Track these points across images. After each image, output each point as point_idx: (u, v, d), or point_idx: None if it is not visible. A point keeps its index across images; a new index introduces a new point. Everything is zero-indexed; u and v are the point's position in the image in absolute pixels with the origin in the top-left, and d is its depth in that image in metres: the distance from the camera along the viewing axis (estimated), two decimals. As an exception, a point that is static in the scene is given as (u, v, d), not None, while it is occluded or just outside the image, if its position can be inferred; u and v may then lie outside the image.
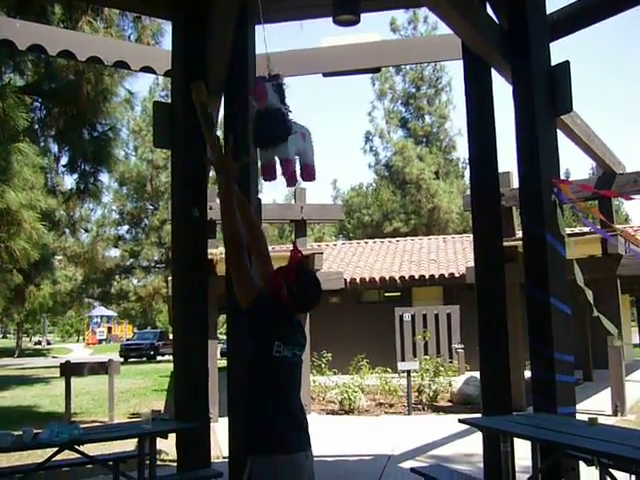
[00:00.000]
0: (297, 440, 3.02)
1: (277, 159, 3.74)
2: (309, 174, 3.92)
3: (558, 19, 6.20)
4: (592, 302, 5.51)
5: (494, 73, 6.39)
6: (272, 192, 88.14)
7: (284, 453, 2.95)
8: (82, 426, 5.66)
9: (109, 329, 64.54)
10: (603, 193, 9.72)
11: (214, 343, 11.59)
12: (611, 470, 4.69)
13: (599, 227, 10.58)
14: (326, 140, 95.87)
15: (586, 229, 13.37)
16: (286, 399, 3.07)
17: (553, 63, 5.82)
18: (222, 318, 24.18)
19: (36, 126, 12.77)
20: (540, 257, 5.61)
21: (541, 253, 5.60)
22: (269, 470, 2.92)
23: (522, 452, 5.50)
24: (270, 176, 3.76)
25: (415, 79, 35.06)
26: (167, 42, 13.97)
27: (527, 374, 11.48)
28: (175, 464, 6.39)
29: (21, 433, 4.97)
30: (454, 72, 36.10)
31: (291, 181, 3.76)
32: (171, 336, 38.87)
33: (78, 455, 5.52)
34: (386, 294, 20.83)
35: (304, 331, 3.29)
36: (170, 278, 13.38)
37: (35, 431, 5.04)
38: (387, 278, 19.53)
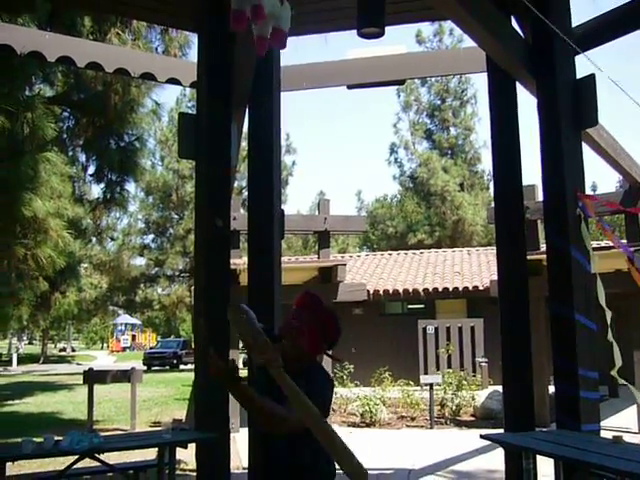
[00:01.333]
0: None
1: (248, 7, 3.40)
2: (279, 39, 3.59)
3: (584, 32, 6.15)
4: (609, 324, 5.43)
5: (518, 86, 6.37)
6: (296, 203, 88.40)
7: None
8: (103, 434, 5.71)
9: (133, 337, 64.99)
10: (628, 210, 9.60)
11: (235, 352, 11.60)
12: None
13: (624, 242, 10.45)
14: (351, 151, 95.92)
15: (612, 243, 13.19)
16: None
17: (578, 76, 5.79)
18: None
19: (64, 136, 12.96)
20: (564, 271, 5.56)
21: (565, 267, 5.55)
22: None
23: (544, 469, 5.44)
24: (239, 23, 3.42)
25: (440, 91, 35.01)
26: (194, 54, 14.12)
27: (551, 389, 11.36)
28: (195, 474, 6.40)
29: (42, 440, 5.02)
30: (480, 84, 36.01)
31: (260, 39, 3.48)
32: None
33: (98, 463, 5.57)
34: (409, 306, 20.73)
35: None
36: (193, 287, 13.47)
37: (56, 438, 5.08)
38: (411, 290, 19.45)
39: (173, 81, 7.42)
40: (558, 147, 5.64)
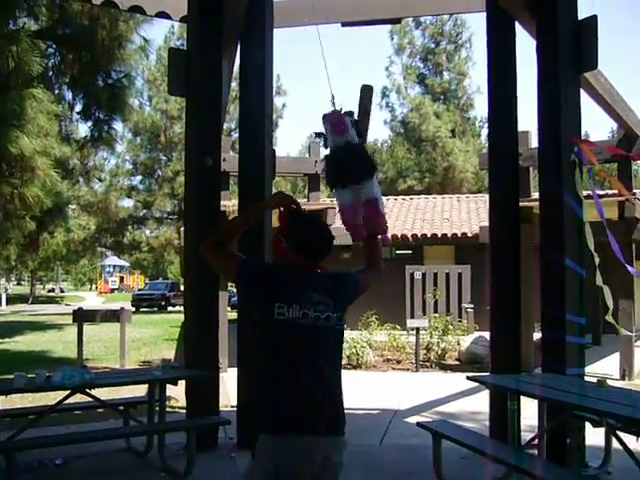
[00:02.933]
0: (297, 419, 2.58)
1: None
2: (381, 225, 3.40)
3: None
4: (598, 268, 5.44)
5: (518, 27, 6.23)
6: (286, 146, 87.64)
7: (272, 434, 2.57)
8: (93, 371, 5.73)
9: (121, 279, 65.17)
10: (631, 155, 9.58)
11: (224, 295, 11.63)
12: (618, 432, 4.71)
13: (615, 192, 10.44)
14: (342, 95, 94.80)
15: (602, 192, 13.22)
16: (292, 369, 2.62)
17: (580, 17, 5.65)
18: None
19: (50, 73, 12.65)
20: (556, 217, 5.55)
21: (558, 213, 5.53)
22: (257, 450, 2.61)
23: (528, 412, 5.53)
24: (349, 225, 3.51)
25: (435, 34, 34.38)
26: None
27: (536, 336, 11.49)
28: (184, 411, 6.48)
29: (34, 375, 5.04)
30: (475, 27, 35.31)
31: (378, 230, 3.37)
32: (182, 287, 39.24)
33: (89, 399, 5.61)
34: (398, 252, 20.76)
35: (332, 289, 2.79)
36: (182, 229, 13.41)
37: (47, 374, 5.11)
38: (399, 235, 19.47)
39: (163, 15, 7.21)
40: (556, 90, 5.54)
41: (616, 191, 11.42)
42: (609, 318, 5.65)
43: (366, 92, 3.36)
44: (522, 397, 4.94)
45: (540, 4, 5.70)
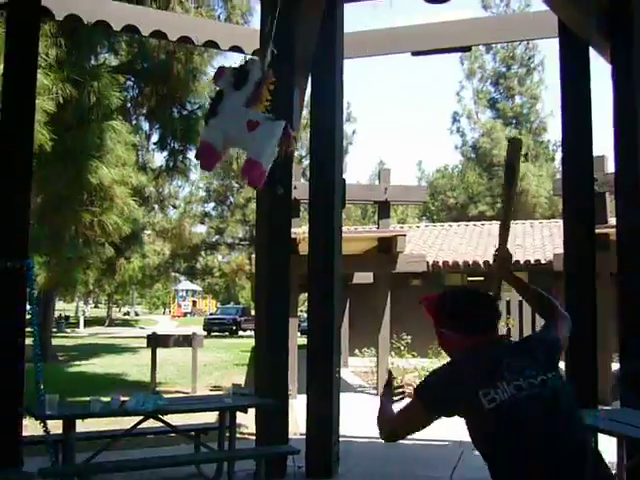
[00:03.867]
0: None
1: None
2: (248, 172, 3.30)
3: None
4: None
5: (592, 53, 6.12)
6: (355, 173, 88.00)
7: None
8: (166, 396, 5.86)
9: (194, 303, 66.38)
10: None
11: (294, 320, 11.70)
12: None
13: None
14: (412, 120, 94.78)
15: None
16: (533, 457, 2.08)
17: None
18: (303, 297, 24.43)
19: (128, 105, 13.17)
20: (635, 246, 5.38)
21: (636, 242, 5.37)
22: None
23: (606, 446, 5.32)
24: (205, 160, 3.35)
25: (506, 58, 34.05)
26: (255, 21, 14.08)
27: (614, 367, 11.07)
28: (254, 437, 6.52)
29: (109, 400, 5.18)
30: (547, 51, 34.82)
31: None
32: (253, 312, 39.66)
33: (162, 424, 5.72)
34: (469, 278, 20.46)
35: (529, 350, 2.33)
36: (254, 255, 13.60)
37: (122, 399, 5.24)
38: (471, 262, 19.18)
39: (236, 49, 7.41)
40: (633, 115, 5.42)
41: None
42: None
43: (512, 146, 3.18)
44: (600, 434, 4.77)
45: (614, 29, 5.60)
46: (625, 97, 5.56)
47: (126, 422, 6.41)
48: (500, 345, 2.39)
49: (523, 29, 7.83)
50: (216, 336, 33.76)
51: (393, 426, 2.49)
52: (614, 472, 4.96)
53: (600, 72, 6.19)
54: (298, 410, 8.13)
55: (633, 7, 5.47)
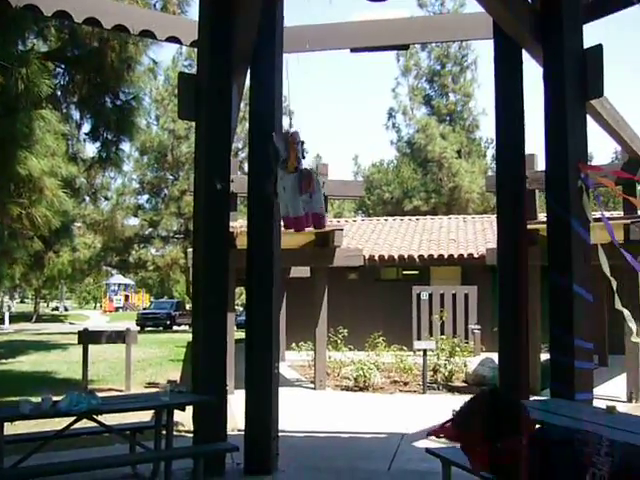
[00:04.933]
0: None
1: None
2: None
3: (592, 0, 6.06)
4: (616, 292, 5.45)
5: (524, 54, 6.28)
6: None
7: None
8: (99, 394, 5.72)
9: (126, 297, 65.25)
10: (637, 179, 9.62)
11: (231, 315, 11.62)
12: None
13: (622, 214, 10.45)
14: (348, 116, 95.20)
15: (608, 214, 13.22)
16: None
17: (585, 46, 5.71)
18: (239, 290, 24.30)
19: (59, 93, 12.75)
20: (564, 242, 5.56)
21: (565, 238, 5.54)
22: None
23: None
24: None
25: (440, 56, 34.61)
26: (193, 12, 13.84)
27: (543, 357, 11.44)
28: (191, 435, 6.46)
29: (40, 401, 5.02)
30: (480, 50, 35.53)
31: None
32: (188, 306, 39.22)
33: (95, 424, 5.59)
34: (404, 272, 20.78)
35: None
36: (190, 249, 13.43)
37: (54, 399, 5.09)
38: (406, 256, 19.46)
39: (173, 39, 7.28)
40: (563, 117, 5.58)
41: (621, 213, 11.43)
42: (635, 339, 5.66)
43: None
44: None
45: (547, 33, 5.75)
46: (555, 99, 5.72)
47: (57, 423, 6.26)
48: None
49: (460, 29, 7.97)
50: (150, 331, 33.26)
51: None
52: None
53: (533, 73, 6.35)
54: (236, 406, 8.08)
55: (564, 11, 5.64)
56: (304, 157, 5.93)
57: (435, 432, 2.37)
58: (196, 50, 7.41)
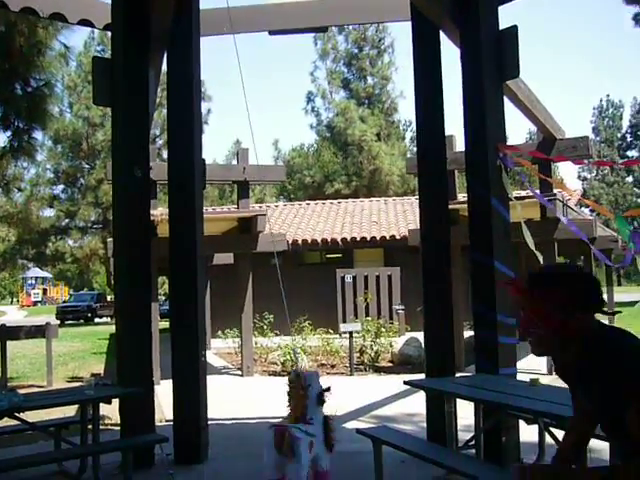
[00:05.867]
0: None
1: None
2: None
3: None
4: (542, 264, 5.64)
5: (443, 36, 6.37)
6: (211, 152, 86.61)
7: None
8: (20, 391, 5.52)
9: (44, 291, 63.19)
10: (551, 158, 9.94)
11: (154, 305, 11.41)
12: (551, 428, 4.86)
13: (538, 192, 10.81)
14: (267, 100, 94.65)
15: (525, 193, 13.64)
16: None
17: (501, 27, 5.82)
18: (161, 279, 23.89)
19: (-36, 80, 12.13)
20: (485, 220, 5.69)
21: (486, 217, 5.68)
22: None
23: (464, 412, 5.64)
24: None
25: (358, 39, 34.85)
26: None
27: (466, 334, 11.75)
28: (118, 428, 6.32)
29: (-43, 401, 4.80)
30: (397, 33, 36.23)
31: None
32: (109, 298, 38.30)
33: (17, 422, 5.39)
34: (328, 256, 20.91)
35: None
36: (109, 239, 13.10)
37: (-28, 398, 4.88)
38: (329, 239, 19.59)
39: (85, 23, 7.02)
40: (480, 98, 5.70)
41: (537, 192, 11.83)
42: None
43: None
44: (458, 398, 5.04)
45: (462, 14, 5.84)
46: (472, 80, 5.82)
47: (-24, 423, 6.01)
48: None
49: (377, 11, 8.00)
50: (70, 324, 32.32)
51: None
52: (472, 435, 5.27)
53: (451, 54, 6.45)
54: (163, 396, 7.96)
55: (479, -7, 5.73)
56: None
57: (506, 284, 2.29)
58: (109, 34, 7.16)
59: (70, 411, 6.71)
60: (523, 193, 13.68)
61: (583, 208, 19.56)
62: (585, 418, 2.45)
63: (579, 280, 2.24)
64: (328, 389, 4.91)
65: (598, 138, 67.75)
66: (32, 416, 5.80)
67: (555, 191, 12.21)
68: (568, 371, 2.34)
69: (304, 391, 4.70)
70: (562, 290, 2.19)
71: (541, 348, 2.28)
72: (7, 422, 5.45)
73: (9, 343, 11.87)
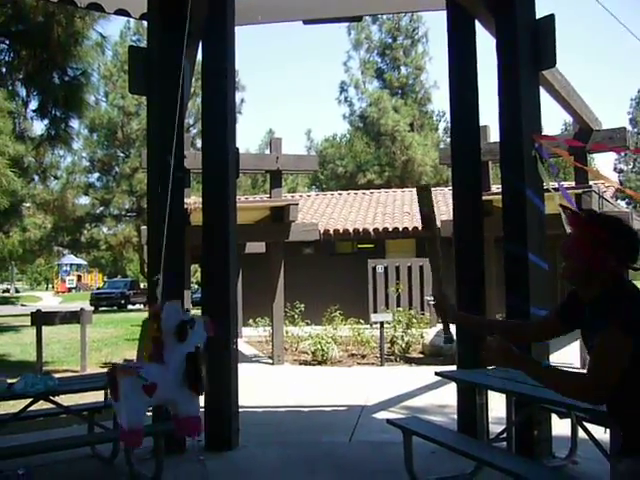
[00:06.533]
0: None
1: None
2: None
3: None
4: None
5: (478, 26, 6.29)
6: (245, 142, 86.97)
7: None
8: (55, 375, 5.62)
9: (79, 277, 64.16)
10: (592, 146, 9.80)
11: (187, 292, 11.52)
12: (584, 423, 4.81)
13: (573, 184, 10.67)
14: (301, 90, 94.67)
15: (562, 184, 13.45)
16: None
17: (538, 16, 5.73)
18: (193, 268, 24.09)
19: (3, 69, 12.35)
20: (519, 212, 5.63)
21: (520, 208, 5.62)
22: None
23: (495, 404, 5.61)
24: None
25: (392, 29, 34.60)
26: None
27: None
28: (150, 414, 6.40)
29: (-5, 383, 4.92)
30: (431, 23, 35.70)
31: None
32: (142, 285, 38.74)
33: (52, 405, 5.50)
34: (359, 246, 20.88)
35: None
36: (143, 227, 13.23)
37: (9, 381, 4.99)
38: (361, 230, 19.56)
39: (122, 12, 7.07)
40: (516, 88, 5.62)
41: (572, 184, 11.66)
42: None
43: (422, 196, 3.32)
44: (489, 391, 5.01)
45: (499, 3, 5.76)
46: (508, 70, 5.75)
47: (12, 406, 6.13)
48: None
49: (412, 0, 7.94)
50: (104, 311, 32.80)
51: (597, 381, 2.29)
52: (503, 427, 5.24)
53: (486, 44, 6.37)
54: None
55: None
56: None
57: (565, 208, 2.55)
58: (145, 24, 7.22)
59: (102, 396, 6.81)
60: (557, 185, 13.48)
61: (619, 200, 19.25)
62: (549, 323, 2.82)
63: (628, 235, 2.43)
64: (192, 321, 3.73)
65: (635, 130, 66.40)
66: (66, 400, 5.92)
67: (591, 183, 12.03)
68: (578, 309, 2.51)
69: (157, 324, 3.67)
70: (610, 234, 2.38)
71: (570, 274, 2.48)
72: (42, 405, 5.57)
73: (44, 328, 12.09)
